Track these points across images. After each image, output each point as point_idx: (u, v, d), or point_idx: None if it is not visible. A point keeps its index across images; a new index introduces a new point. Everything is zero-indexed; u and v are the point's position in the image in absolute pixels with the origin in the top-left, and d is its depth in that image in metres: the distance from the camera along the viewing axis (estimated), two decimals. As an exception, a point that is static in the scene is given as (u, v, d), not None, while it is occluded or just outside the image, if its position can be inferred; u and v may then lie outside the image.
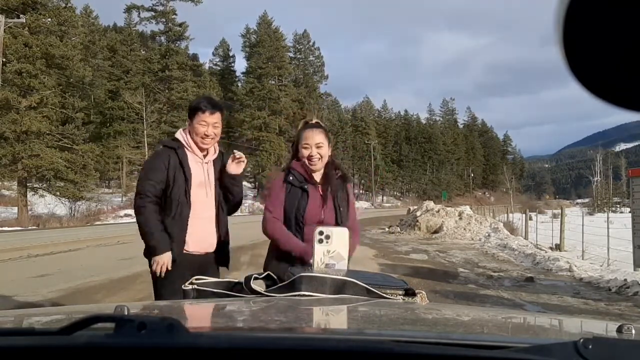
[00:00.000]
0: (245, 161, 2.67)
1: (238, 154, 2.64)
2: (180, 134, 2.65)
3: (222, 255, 2.67)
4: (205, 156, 2.64)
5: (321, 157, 2.52)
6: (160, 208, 2.53)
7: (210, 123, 2.56)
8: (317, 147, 2.50)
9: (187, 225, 2.51)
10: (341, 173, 2.59)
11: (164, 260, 2.45)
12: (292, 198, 2.46)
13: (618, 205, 65.62)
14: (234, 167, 2.64)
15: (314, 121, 2.58)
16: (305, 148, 2.52)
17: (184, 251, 2.50)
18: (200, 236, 2.55)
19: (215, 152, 2.71)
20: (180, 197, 2.51)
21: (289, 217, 2.45)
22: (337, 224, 2.46)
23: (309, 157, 2.51)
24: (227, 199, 2.69)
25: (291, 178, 2.48)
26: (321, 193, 2.50)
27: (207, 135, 2.56)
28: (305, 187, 2.47)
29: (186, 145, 2.61)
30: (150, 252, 2.50)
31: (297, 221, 2.44)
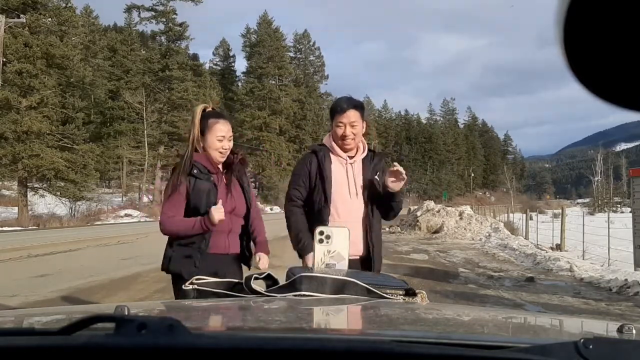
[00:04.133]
0: (405, 178, 2.46)
1: (396, 167, 2.44)
2: (325, 138, 2.66)
3: (368, 262, 2.55)
4: (351, 157, 2.59)
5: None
6: (306, 212, 2.58)
7: (346, 123, 2.51)
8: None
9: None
10: (240, 157, 2.59)
11: (310, 261, 2.43)
12: (199, 192, 2.43)
13: (619, 205, 65.62)
14: (393, 184, 2.47)
15: (210, 108, 2.54)
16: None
17: None
18: None
19: (363, 151, 2.63)
20: (320, 199, 2.53)
21: (200, 211, 2.41)
22: (248, 208, 2.54)
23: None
24: (384, 206, 2.60)
25: (195, 172, 2.43)
26: (225, 181, 2.51)
27: (346, 136, 2.52)
28: (212, 178, 2.46)
29: (329, 148, 2.59)
30: (299, 255, 2.57)
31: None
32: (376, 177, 2.57)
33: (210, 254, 2.44)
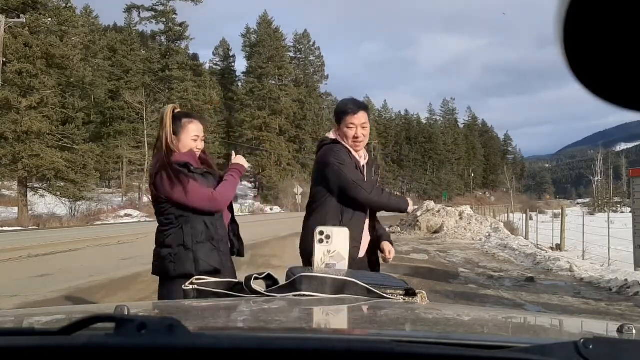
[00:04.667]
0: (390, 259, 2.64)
1: (390, 256, 2.63)
2: (334, 137, 2.63)
3: (373, 259, 2.64)
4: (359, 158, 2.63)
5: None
6: (320, 209, 2.59)
7: (358, 124, 2.54)
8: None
9: (362, 230, 2.57)
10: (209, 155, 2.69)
11: (412, 206, 2.69)
12: (203, 185, 2.47)
13: (619, 205, 65.67)
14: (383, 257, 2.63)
15: (178, 109, 2.54)
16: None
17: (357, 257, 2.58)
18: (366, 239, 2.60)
19: (365, 157, 2.66)
20: (347, 201, 2.54)
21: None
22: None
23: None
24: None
25: (192, 169, 2.45)
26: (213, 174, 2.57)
27: (357, 137, 2.54)
28: (208, 171, 2.53)
29: (348, 147, 2.59)
30: (402, 207, 2.65)
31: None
32: (372, 177, 2.66)
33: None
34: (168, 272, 2.40)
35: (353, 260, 2.09)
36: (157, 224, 2.50)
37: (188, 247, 2.37)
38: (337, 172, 2.49)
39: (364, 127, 2.54)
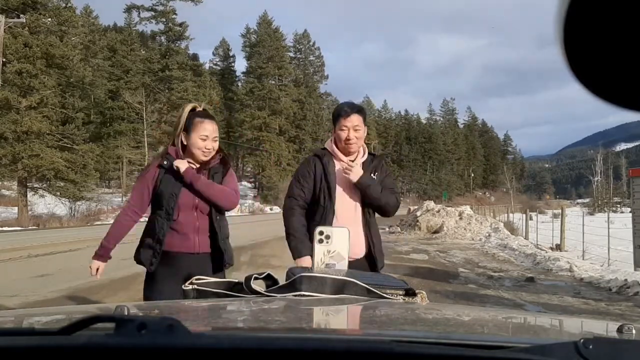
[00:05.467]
0: (350, 170, 2.57)
1: (345, 165, 2.60)
2: (327, 142, 2.71)
3: (371, 260, 2.62)
4: (352, 161, 2.64)
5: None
6: (308, 213, 2.62)
7: (350, 127, 2.57)
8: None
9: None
10: (221, 157, 2.62)
11: (302, 263, 2.48)
12: (166, 183, 2.50)
13: (618, 205, 65.64)
14: (349, 177, 2.61)
15: (201, 108, 2.58)
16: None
17: None
18: None
19: (364, 154, 2.69)
20: (325, 203, 2.58)
21: (162, 200, 2.50)
22: (211, 207, 2.53)
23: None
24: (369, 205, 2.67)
25: (165, 163, 2.50)
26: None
27: (349, 139, 2.57)
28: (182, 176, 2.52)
29: (331, 152, 2.65)
30: (292, 254, 2.58)
31: (168, 208, 2.49)
32: (373, 176, 2.64)
33: (174, 253, 2.46)
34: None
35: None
36: None
37: (141, 238, 2.61)
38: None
39: (356, 130, 2.58)
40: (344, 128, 2.58)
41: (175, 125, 2.55)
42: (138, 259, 2.58)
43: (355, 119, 2.58)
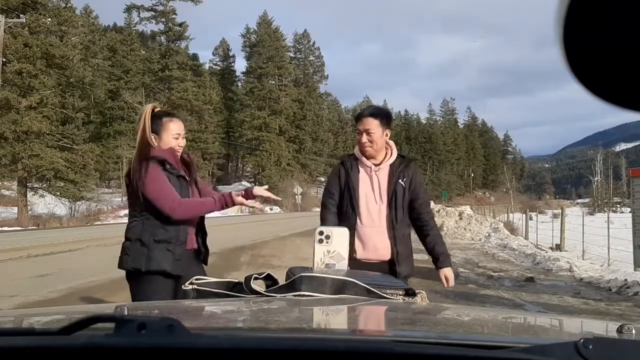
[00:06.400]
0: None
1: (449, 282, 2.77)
2: (356, 147, 2.74)
3: (392, 265, 2.61)
4: (377, 164, 2.65)
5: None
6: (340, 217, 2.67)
7: (363, 130, 2.61)
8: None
9: (354, 234, 2.55)
10: (192, 154, 2.66)
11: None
12: (175, 186, 2.45)
13: (618, 205, 65.72)
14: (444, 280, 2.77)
15: (158, 108, 2.55)
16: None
17: (355, 258, 2.50)
18: (368, 244, 2.60)
19: (391, 156, 2.68)
20: (348, 208, 2.63)
21: None
22: None
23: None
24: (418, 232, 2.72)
25: (168, 167, 2.44)
26: (187, 178, 2.54)
27: (362, 143, 2.61)
28: (180, 174, 2.49)
29: (357, 157, 2.69)
30: None
31: None
32: (401, 182, 2.63)
33: (186, 250, 2.46)
34: (121, 264, 2.44)
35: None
36: None
37: (144, 244, 2.39)
38: None
39: (369, 133, 2.59)
40: (358, 131, 2.66)
41: (141, 128, 2.47)
42: (149, 264, 2.37)
43: (367, 122, 2.60)
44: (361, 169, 2.66)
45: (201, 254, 2.57)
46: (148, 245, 2.38)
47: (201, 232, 2.57)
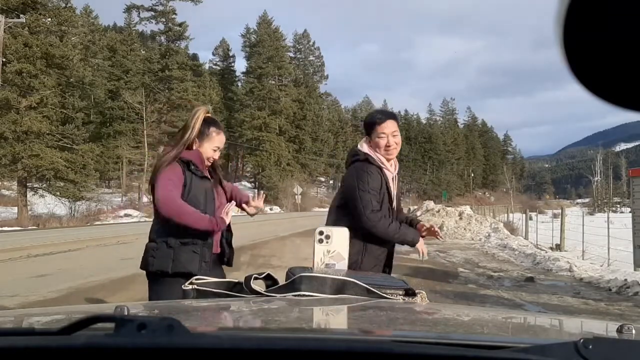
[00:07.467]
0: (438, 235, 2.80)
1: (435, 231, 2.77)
2: (366, 148, 2.60)
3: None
4: (392, 170, 2.66)
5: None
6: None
7: (388, 133, 2.55)
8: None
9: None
10: (219, 160, 2.65)
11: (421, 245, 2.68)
12: (198, 188, 2.42)
13: (618, 205, 65.72)
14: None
15: (208, 115, 2.53)
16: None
17: None
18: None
19: (396, 166, 2.68)
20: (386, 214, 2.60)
21: (199, 208, 2.40)
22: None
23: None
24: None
25: (192, 168, 2.42)
26: (213, 184, 2.54)
27: (389, 146, 2.55)
28: (206, 178, 2.48)
29: (380, 163, 2.57)
30: (412, 242, 2.64)
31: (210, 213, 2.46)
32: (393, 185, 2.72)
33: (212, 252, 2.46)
34: (147, 266, 2.43)
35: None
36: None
37: (170, 245, 2.38)
38: (357, 198, 2.54)
39: (394, 135, 2.56)
40: (382, 135, 2.54)
41: (187, 128, 2.45)
42: (176, 266, 2.35)
43: (391, 125, 2.56)
44: (389, 176, 2.61)
45: (225, 255, 2.57)
46: (174, 247, 2.37)
47: (226, 233, 2.57)
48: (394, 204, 2.63)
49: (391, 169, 2.61)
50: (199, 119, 2.46)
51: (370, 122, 2.60)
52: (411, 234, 2.62)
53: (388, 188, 2.58)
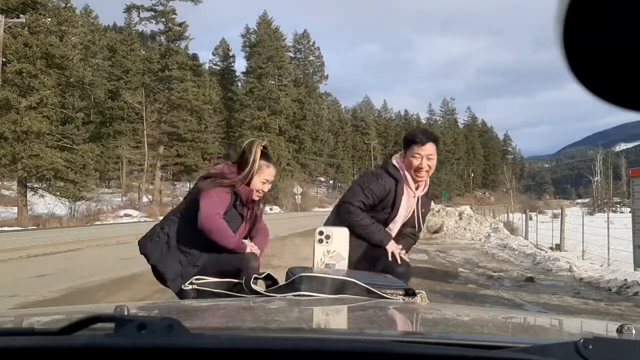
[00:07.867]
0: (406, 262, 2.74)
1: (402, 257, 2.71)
2: (398, 161, 2.61)
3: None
4: (416, 189, 2.63)
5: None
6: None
7: (424, 155, 2.52)
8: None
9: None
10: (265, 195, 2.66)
11: (393, 246, 2.61)
12: (230, 217, 2.45)
13: (618, 205, 65.73)
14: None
15: (264, 144, 2.56)
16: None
17: None
18: None
19: (425, 187, 2.66)
20: (380, 222, 2.61)
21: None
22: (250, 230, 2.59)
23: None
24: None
25: (237, 202, 2.46)
26: (249, 214, 2.55)
27: (421, 169, 2.53)
28: (243, 211, 2.50)
29: (404, 179, 2.58)
30: (382, 242, 2.59)
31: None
32: (421, 212, 2.70)
33: None
34: (165, 281, 2.50)
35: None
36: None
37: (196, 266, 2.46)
38: (350, 189, 2.61)
39: (429, 159, 2.53)
40: (417, 156, 2.51)
41: (246, 163, 2.47)
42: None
43: (429, 148, 2.52)
44: (405, 193, 2.58)
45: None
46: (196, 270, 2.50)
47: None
48: (409, 221, 2.63)
49: (413, 188, 2.57)
50: (258, 151, 2.48)
51: (410, 140, 2.57)
52: (380, 235, 2.56)
53: (395, 201, 2.55)
